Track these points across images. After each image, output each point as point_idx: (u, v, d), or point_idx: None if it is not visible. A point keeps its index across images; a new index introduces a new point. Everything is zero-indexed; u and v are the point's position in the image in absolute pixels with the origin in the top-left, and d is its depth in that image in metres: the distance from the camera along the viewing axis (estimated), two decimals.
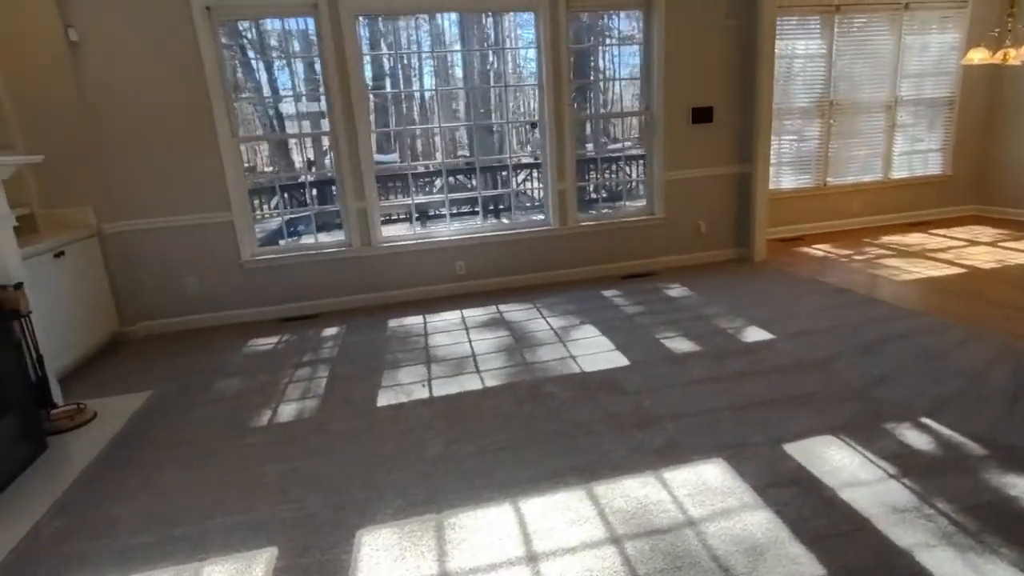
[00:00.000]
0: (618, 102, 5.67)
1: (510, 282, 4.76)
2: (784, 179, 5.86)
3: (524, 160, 7.76)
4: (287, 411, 2.83)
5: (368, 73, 4.69)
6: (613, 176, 7.83)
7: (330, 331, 4.00)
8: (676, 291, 4.35)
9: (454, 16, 8.17)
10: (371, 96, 5.49)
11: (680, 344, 3.30)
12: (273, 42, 7.39)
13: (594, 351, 3.29)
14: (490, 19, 8.30)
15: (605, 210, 5.35)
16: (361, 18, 4.24)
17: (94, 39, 3.75)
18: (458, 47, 8.93)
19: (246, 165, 4.88)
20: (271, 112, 10.06)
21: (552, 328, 3.73)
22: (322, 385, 3.10)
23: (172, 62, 3.88)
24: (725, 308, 3.87)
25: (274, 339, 3.93)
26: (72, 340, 3.55)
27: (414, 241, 4.58)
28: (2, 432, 2.39)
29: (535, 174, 7.38)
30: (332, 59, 4.11)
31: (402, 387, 3.00)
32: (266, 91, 9.38)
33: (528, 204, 7.67)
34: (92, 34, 3.74)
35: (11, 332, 2.56)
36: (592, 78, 7.96)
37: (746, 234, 5.10)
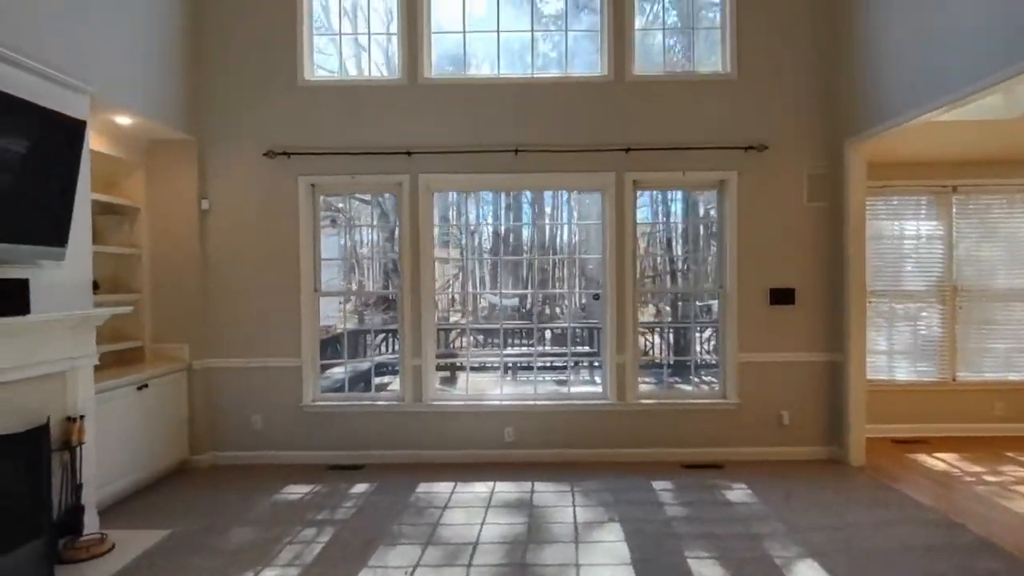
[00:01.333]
0: (692, 274, 5.48)
1: (558, 455, 4.49)
2: (899, 369, 5.12)
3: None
4: None
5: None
6: (690, 344, 7.40)
7: (361, 487, 3.99)
8: (737, 493, 3.80)
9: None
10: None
11: (707, 571, 2.81)
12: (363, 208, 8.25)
13: (603, 562, 2.90)
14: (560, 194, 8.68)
15: (677, 380, 4.99)
16: (437, 194, 4.70)
17: (219, 207, 4.52)
18: (527, 213, 9.41)
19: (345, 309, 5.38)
20: (369, 266, 11.05)
21: (575, 521, 3.39)
22: (314, 552, 3.04)
23: (274, 226, 4.51)
24: (785, 527, 3.28)
25: (308, 488, 3.99)
26: (138, 465, 3.90)
27: (464, 403, 4.58)
28: (8, 562, 2.60)
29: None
30: (408, 228, 4.52)
31: (384, 570, 2.84)
32: (363, 248, 10.42)
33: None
34: (218, 203, 4.52)
35: (47, 462, 2.88)
36: (659, 249, 7.78)
37: (840, 431, 4.42)
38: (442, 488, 3.96)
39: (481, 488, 3.95)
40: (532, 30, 4.59)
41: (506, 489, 3.93)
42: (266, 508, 3.66)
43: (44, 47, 3.00)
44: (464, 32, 4.60)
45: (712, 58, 4.61)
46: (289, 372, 4.54)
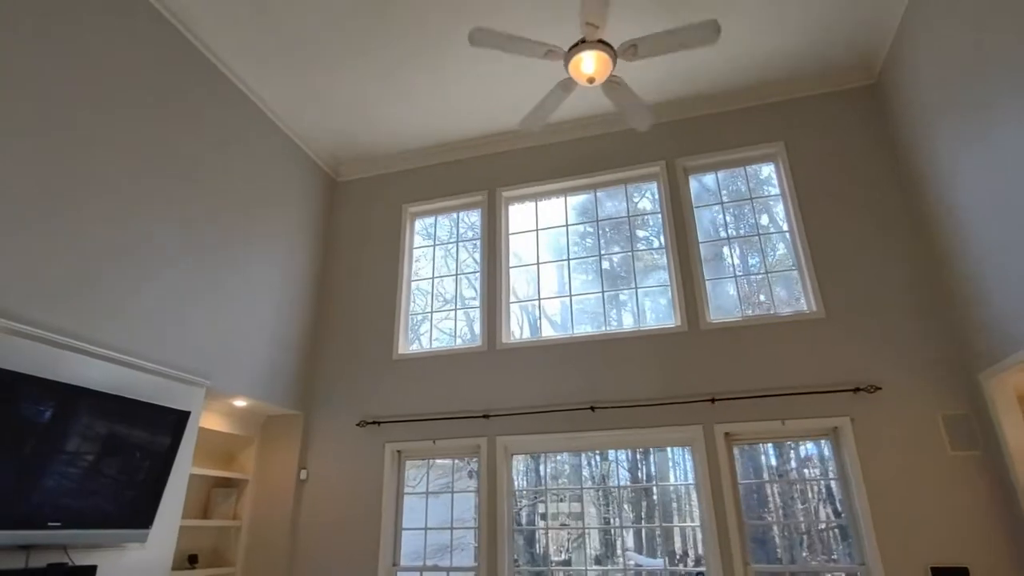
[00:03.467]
0: (824, 540, 4.27)
1: None
2: None
3: None
4: None
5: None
6: None
7: None
8: None
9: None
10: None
11: None
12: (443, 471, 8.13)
13: None
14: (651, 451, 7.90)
15: None
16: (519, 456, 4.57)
17: (315, 477, 4.75)
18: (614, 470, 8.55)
19: None
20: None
21: None
22: None
23: (358, 495, 4.58)
24: None
25: None
26: None
27: None
28: None
29: None
30: (485, 494, 4.35)
31: None
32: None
33: None
34: (314, 473, 4.77)
35: None
36: (769, 517, 6.36)
37: None
38: None
39: None
40: (603, 291, 4.80)
41: None
42: None
43: (167, 352, 3.69)
44: (539, 299, 4.94)
45: (793, 298, 4.39)
46: None
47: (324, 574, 4.44)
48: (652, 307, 4.69)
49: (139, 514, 3.22)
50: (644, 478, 4.45)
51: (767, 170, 4.80)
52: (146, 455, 3.27)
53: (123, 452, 3.15)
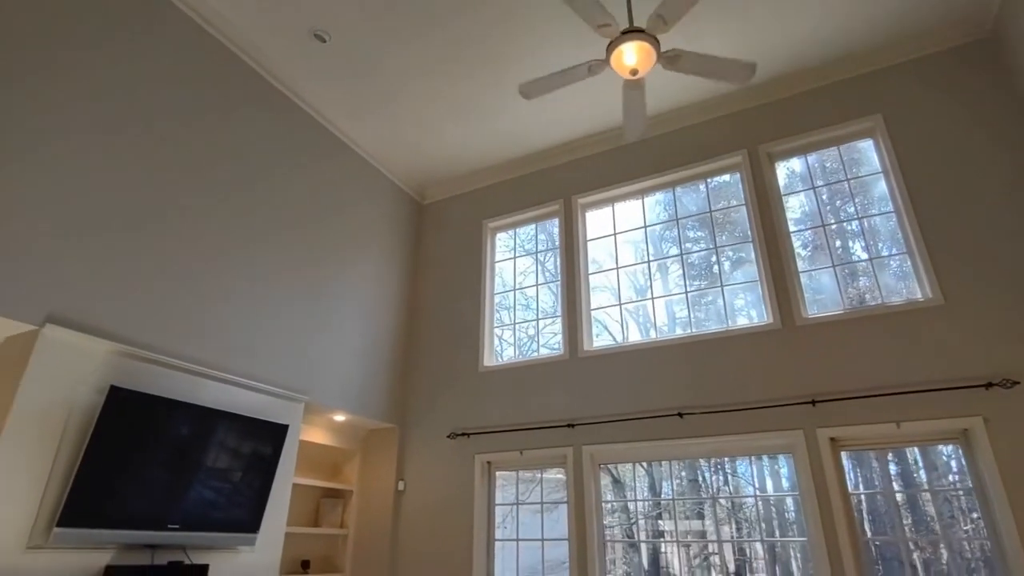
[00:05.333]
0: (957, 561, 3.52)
1: None
2: None
3: None
4: None
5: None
6: None
7: None
8: None
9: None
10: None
11: None
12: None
13: None
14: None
15: None
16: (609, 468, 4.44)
17: (411, 488, 4.94)
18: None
19: None
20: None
21: None
22: None
23: (452, 506, 4.69)
24: None
25: None
26: None
27: None
28: None
29: None
30: (573, 508, 4.27)
31: None
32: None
33: None
34: (411, 484, 4.95)
35: None
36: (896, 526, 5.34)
37: None
38: None
39: None
40: (687, 291, 4.58)
41: None
42: None
43: (270, 371, 4.03)
44: (620, 304, 4.81)
45: (905, 286, 3.91)
46: None
47: None
48: (742, 305, 4.40)
49: (247, 520, 3.53)
50: (773, 490, 4.11)
51: (864, 146, 4.34)
52: (251, 465, 3.59)
53: (231, 463, 3.48)
